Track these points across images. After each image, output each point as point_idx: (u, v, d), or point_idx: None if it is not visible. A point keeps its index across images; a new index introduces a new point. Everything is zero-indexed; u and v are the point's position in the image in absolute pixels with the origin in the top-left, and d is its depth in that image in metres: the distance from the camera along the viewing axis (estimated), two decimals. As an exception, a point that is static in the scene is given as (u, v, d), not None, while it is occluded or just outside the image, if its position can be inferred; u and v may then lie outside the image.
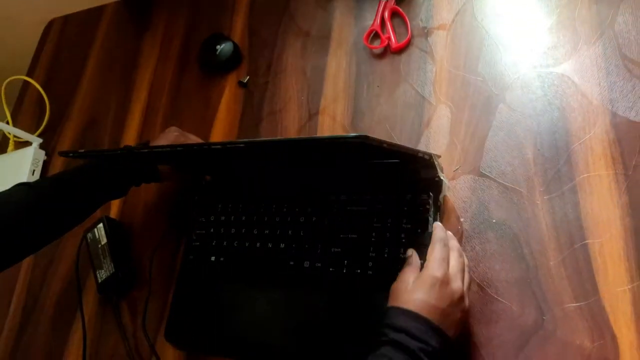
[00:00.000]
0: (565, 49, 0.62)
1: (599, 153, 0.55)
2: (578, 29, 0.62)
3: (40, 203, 0.61)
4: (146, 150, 0.57)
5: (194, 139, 0.75)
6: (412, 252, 0.54)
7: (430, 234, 0.53)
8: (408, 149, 0.53)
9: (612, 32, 0.60)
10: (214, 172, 0.75)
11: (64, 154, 0.60)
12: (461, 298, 0.49)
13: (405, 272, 0.51)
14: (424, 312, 0.46)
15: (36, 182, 0.64)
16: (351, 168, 0.64)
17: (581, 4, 0.63)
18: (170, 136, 0.72)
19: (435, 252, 0.51)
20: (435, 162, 0.57)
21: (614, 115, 0.56)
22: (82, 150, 0.58)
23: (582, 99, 0.58)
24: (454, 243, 0.53)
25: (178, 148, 0.53)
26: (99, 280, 0.75)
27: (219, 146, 0.50)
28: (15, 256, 0.61)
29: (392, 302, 0.49)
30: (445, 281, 0.48)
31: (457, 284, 0.49)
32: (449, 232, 0.54)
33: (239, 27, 0.88)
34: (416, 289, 0.48)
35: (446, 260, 0.50)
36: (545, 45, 0.63)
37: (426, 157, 0.56)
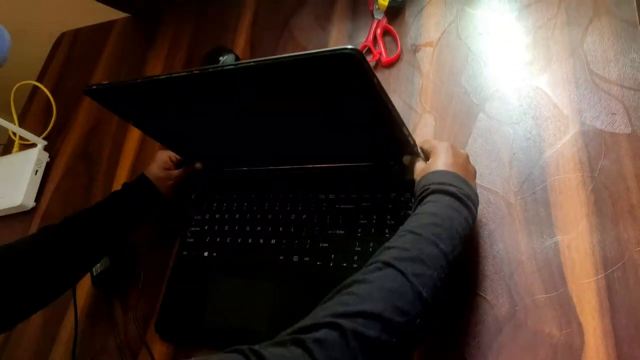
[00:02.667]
0: (540, 65, 0.67)
1: (569, 157, 0.60)
2: (552, 48, 0.67)
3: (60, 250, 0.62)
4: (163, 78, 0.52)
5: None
6: (409, 157, 0.62)
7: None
8: (398, 115, 0.55)
9: (581, 50, 0.65)
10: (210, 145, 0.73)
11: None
12: (468, 156, 0.57)
13: (416, 162, 0.59)
14: (450, 169, 0.53)
15: (57, 225, 0.64)
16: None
17: (555, 26, 0.69)
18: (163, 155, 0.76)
19: (426, 139, 0.59)
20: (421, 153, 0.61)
21: (582, 124, 0.61)
22: (106, 82, 0.56)
23: (554, 109, 0.63)
24: None
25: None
26: (94, 274, 0.77)
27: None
28: (36, 304, 0.61)
29: (419, 177, 0.55)
30: (452, 145, 0.56)
31: (460, 149, 0.57)
32: None
33: (241, 42, 0.93)
34: (435, 159, 0.55)
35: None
36: (522, 61, 0.68)
37: (410, 140, 0.59)
